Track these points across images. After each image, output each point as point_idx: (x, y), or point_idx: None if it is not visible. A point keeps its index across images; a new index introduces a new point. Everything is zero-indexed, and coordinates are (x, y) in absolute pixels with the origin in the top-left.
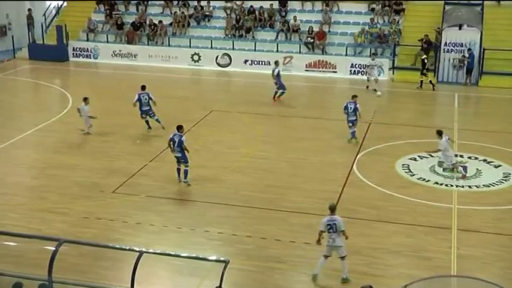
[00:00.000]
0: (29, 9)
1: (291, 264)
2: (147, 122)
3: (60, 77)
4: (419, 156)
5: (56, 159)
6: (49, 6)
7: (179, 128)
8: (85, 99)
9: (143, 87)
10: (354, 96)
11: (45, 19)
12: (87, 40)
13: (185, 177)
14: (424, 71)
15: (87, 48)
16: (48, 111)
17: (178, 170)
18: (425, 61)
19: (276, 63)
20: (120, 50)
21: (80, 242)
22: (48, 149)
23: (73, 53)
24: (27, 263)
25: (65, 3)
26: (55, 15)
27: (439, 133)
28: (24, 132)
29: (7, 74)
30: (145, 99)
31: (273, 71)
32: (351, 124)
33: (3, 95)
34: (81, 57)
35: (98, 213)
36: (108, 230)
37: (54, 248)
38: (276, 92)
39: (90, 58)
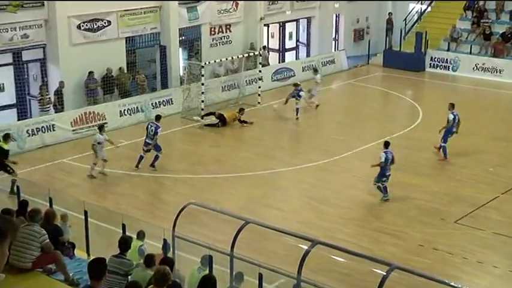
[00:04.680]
0: (390, 13)
1: None
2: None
3: (412, 88)
4: None
5: (395, 176)
6: (411, 10)
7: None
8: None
9: None
10: None
11: (406, 24)
12: (448, 50)
13: None
14: None
15: (447, 59)
16: (395, 124)
17: None
18: None
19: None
20: (483, 64)
21: (414, 271)
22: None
23: (430, 63)
24: (354, 283)
25: (429, 8)
26: (416, 21)
27: None
28: (367, 143)
29: (358, 80)
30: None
31: None
32: None
33: (352, 101)
34: (438, 68)
35: (435, 243)
36: (444, 263)
37: (384, 273)
38: None
39: (449, 70)
